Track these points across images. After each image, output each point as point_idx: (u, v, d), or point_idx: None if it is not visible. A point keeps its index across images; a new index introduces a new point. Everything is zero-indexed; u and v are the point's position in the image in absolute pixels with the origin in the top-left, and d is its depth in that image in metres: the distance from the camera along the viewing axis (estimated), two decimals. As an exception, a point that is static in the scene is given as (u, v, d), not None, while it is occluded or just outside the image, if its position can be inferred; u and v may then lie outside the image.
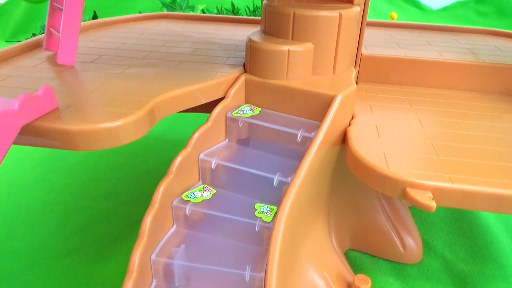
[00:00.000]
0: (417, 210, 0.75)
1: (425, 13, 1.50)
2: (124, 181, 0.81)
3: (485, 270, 0.62)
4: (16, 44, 0.61)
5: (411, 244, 0.63)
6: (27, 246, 0.63)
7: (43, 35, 0.66)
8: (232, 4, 1.33)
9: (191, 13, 0.93)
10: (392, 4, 1.45)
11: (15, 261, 0.60)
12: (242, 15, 1.35)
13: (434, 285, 0.59)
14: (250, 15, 1.36)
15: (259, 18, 0.89)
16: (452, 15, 1.47)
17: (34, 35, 1.43)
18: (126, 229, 0.68)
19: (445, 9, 1.50)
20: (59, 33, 0.58)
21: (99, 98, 0.46)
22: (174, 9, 1.36)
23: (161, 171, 0.87)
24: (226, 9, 1.34)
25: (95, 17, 1.38)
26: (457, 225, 0.71)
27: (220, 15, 0.88)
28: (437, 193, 0.41)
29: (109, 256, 0.62)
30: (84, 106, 0.44)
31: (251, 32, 0.79)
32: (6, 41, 1.66)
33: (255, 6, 1.39)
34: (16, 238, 0.65)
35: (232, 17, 0.88)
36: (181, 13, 0.88)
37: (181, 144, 0.97)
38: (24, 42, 0.62)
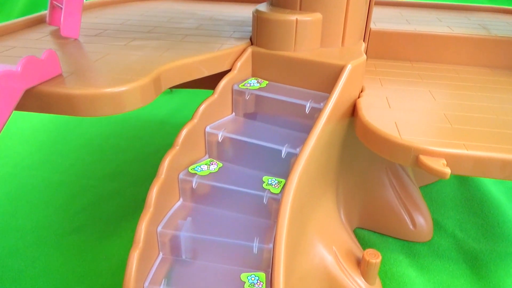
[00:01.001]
0: (426, 189, 0.73)
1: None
2: (129, 163, 0.80)
3: (497, 248, 0.61)
4: (20, 19, 0.60)
5: (421, 222, 0.62)
6: (32, 223, 0.63)
7: (47, 11, 0.65)
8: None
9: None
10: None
11: (21, 238, 0.60)
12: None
13: (445, 263, 0.58)
14: None
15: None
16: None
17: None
18: (132, 208, 0.67)
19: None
20: (62, 6, 0.57)
21: (104, 66, 0.45)
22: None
23: (165, 153, 0.86)
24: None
25: None
26: (468, 204, 0.70)
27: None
28: (451, 160, 0.40)
29: (115, 233, 0.61)
30: (88, 73, 0.43)
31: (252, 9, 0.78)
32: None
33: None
34: (22, 217, 0.64)
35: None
36: (186, -7, 0.87)
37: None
38: (28, 17, 0.62)
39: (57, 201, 0.68)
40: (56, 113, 0.40)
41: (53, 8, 0.59)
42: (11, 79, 0.35)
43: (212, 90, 0.52)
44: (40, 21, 0.63)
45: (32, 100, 0.39)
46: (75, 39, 0.55)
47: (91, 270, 0.55)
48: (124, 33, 0.59)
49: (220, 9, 0.79)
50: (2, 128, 0.34)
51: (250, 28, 0.64)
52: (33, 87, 0.38)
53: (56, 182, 0.73)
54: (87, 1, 0.75)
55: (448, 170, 0.39)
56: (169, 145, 0.93)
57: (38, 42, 0.53)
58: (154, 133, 0.92)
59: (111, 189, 0.72)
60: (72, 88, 0.39)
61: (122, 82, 0.41)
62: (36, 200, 0.68)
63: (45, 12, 0.65)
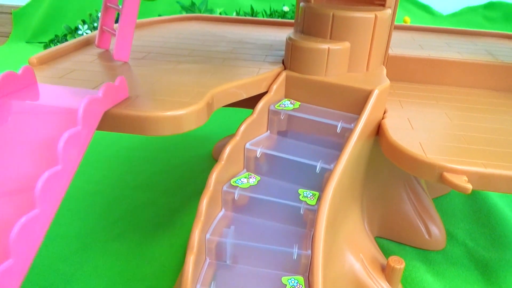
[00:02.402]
0: (437, 201, 0.79)
1: (436, 18, 1.55)
2: (157, 174, 0.85)
3: (505, 256, 0.66)
4: (69, 42, 0.65)
5: (436, 231, 0.67)
6: (76, 231, 0.67)
7: (92, 33, 0.71)
8: (252, 8, 1.39)
9: (221, 15, 0.98)
10: (404, 9, 1.51)
11: (67, 244, 0.64)
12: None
13: (459, 270, 0.63)
14: (268, 17, 1.41)
15: (283, 20, 0.94)
16: (462, 20, 1.53)
17: (56, 36, 1.48)
18: (166, 217, 0.72)
19: (455, 14, 1.55)
20: (111, 31, 0.63)
21: (162, 90, 0.50)
22: (193, 12, 1.41)
23: (191, 165, 0.92)
24: (245, 12, 1.40)
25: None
26: (476, 216, 0.75)
27: (247, 17, 0.92)
28: (471, 177, 0.46)
29: (153, 240, 0.66)
30: (151, 96, 0.48)
31: (279, 33, 0.84)
32: (26, 42, 1.71)
33: (272, 9, 1.45)
34: (65, 224, 0.69)
35: (258, 19, 0.93)
36: (211, 15, 0.93)
37: (206, 140, 1.01)
38: (76, 40, 0.67)
39: (95, 209, 0.73)
40: (126, 132, 0.45)
41: (103, 32, 0.64)
42: (96, 104, 0.40)
43: (243, 108, 0.57)
44: (86, 44, 0.68)
45: (107, 121, 0.44)
46: (126, 62, 0.60)
47: (136, 274, 0.59)
48: (167, 56, 0.64)
49: (245, 31, 0.85)
50: (87, 145, 0.40)
51: (280, 52, 0.70)
52: (108, 110, 0.43)
53: (92, 192, 0.77)
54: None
55: (469, 186, 0.44)
56: (194, 156, 0.98)
57: (93, 65, 0.58)
58: (178, 145, 0.97)
59: (144, 198, 0.76)
60: (141, 111, 0.44)
61: (181, 106, 0.46)
62: (76, 208, 0.73)
63: (90, 34, 0.70)
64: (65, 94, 0.45)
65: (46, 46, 1.51)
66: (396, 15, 1.41)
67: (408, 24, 1.33)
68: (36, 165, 0.38)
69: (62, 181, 0.36)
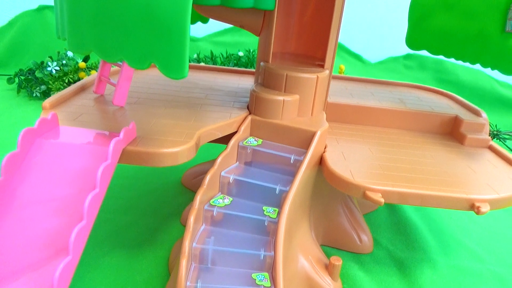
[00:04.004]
0: (368, 216, 0.99)
1: (366, 65, 1.85)
2: (135, 199, 0.97)
3: (416, 255, 0.87)
4: (69, 88, 0.78)
5: (365, 239, 0.87)
6: (69, 249, 0.77)
7: (84, 80, 0.84)
8: (211, 52, 1.57)
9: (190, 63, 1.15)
10: (340, 57, 1.79)
11: (64, 259, 0.74)
12: (218, 62, 1.59)
13: (382, 267, 0.83)
14: (224, 61, 1.60)
15: (243, 69, 1.13)
16: (386, 68, 1.84)
17: (21, 70, 1.55)
18: (147, 235, 0.84)
19: (381, 62, 1.87)
20: (107, 80, 0.77)
21: (160, 130, 0.65)
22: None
23: (163, 191, 1.05)
24: (205, 56, 1.58)
25: (86, 57, 1.53)
26: (396, 227, 0.97)
27: (213, 66, 1.10)
28: (384, 193, 0.65)
29: (139, 255, 0.78)
30: (153, 136, 0.63)
31: (240, 81, 1.02)
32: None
33: (228, 53, 1.64)
34: (58, 243, 0.78)
35: (222, 68, 1.11)
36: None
37: (174, 170, 1.15)
38: (74, 86, 0.80)
39: (84, 230, 0.83)
40: (136, 164, 0.59)
41: (100, 81, 0.77)
42: (119, 143, 0.54)
43: (215, 143, 0.72)
44: (82, 89, 0.81)
45: (123, 155, 0.58)
46: (122, 106, 0.74)
47: (129, 282, 0.71)
48: (154, 101, 0.79)
49: (212, 78, 1.02)
50: (111, 177, 0.53)
51: (244, 99, 0.87)
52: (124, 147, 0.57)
53: (78, 216, 0.88)
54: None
55: (382, 200, 0.64)
56: (165, 184, 1.11)
57: (95, 109, 0.72)
58: (150, 174, 1.10)
59: (126, 220, 0.88)
60: (148, 148, 0.59)
61: (178, 144, 0.61)
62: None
63: (83, 81, 0.83)
64: (88, 135, 0.59)
65: (11, 79, 1.57)
66: (334, 63, 1.66)
67: (343, 70, 1.59)
68: (76, 189, 0.51)
69: (99, 200, 0.50)
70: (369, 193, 0.65)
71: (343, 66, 1.54)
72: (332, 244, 0.87)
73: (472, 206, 0.65)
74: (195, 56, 1.60)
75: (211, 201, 0.70)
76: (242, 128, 0.75)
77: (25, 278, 0.45)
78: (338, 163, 0.72)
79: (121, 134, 0.55)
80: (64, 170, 0.53)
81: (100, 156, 0.53)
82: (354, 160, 0.74)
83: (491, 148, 0.87)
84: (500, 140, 1.63)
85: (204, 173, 0.86)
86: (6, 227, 0.49)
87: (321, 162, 0.76)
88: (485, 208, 0.64)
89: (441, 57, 1.05)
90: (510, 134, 1.63)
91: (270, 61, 0.82)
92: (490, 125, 1.61)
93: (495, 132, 1.62)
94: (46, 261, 0.47)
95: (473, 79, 1.84)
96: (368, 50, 1.85)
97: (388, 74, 1.83)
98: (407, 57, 1.82)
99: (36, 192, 0.52)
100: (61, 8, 0.57)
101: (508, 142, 1.64)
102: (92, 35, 0.49)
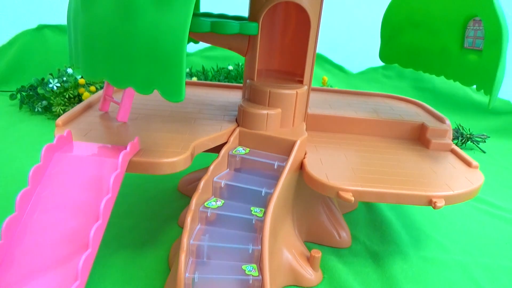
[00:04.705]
0: (348, 215, 1.10)
1: (348, 75, 1.97)
2: (137, 205, 1.06)
3: (389, 248, 0.97)
4: (77, 106, 0.88)
5: (344, 235, 0.97)
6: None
7: (90, 98, 0.94)
8: (203, 67, 1.68)
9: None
10: (323, 68, 1.90)
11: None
12: (210, 75, 1.70)
13: (359, 259, 0.93)
14: (215, 74, 1.71)
15: (231, 84, 1.23)
16: (367, 77, 1.96)
17: (23, 86, 1.64)
18: (149, 237, 0.94)
19: (362, 73, 1.99)
20: (111, 99, 0.87)
21: (160, 142, 0.75)
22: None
23: (162, 197, 1.15)
24: (197, 70, 1.69)
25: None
26: (373, 224, 1.07)
27: (205, 82, 1.21)
28: (354, 193, 0.76)
29: (142, 254, 0.87)
30: (154, 148, 0.73)
31: (230, 95, 1.13)
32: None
33: (218, 67, 1.76)
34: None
35: (213, 83, 1.21)
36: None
37: (171, 177, 1.24)
38: (82, 104, 0.89)
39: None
40: (140, 172, 0.69)
41: (105, 100, 0.87)
42: (127, 155, 0.64)
43: (208, 152, 0.83)
44: (88, 107, 0.91)
45: (129, 165, 0.67)
46: (125, 122, 0.84)
47: (134, 276, 0.80)
48: (153, 117, 0.89)
49: (204, 93, 1.13)
50: (119, 187, 0.63)
51: (233, 112, 0.98)
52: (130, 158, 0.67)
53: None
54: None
55: (352, 198, 0.74)
56: (162, 190, 1.21)
57: (102, 125, 0.82)
58: (148, 182, 1.19)
59: (129, 224, 0.98)
60: (151, 159, 0.69)
61: (175, 155, 0.71)
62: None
63: (89, 100, 0.93)
64: (99, 149, 0.68)
65: (13, 95, 1.66)
66: (318, 74, 1.79)
67: (326, 81, 1.71)
68: (91, 195, 0.61)
69: (111, 203, 0.60)
70: (341, 193, 0.75)
71: (326, 78, 1.66)
72: (314, 240, 0.97)
73: (430, 202, 0.76)
74: (187, 70, 1.70)
75: (205, 204, 0.80)
76: (232, 138, 0.86)
77: (54, 270, 0.55)
78: (315, 168, 0.83)
79: (128, 147, 0.65)
80: (80, 179, 0.62)
81: (111, 167, 0.63)
82: (330, 165, 0.85)
83: (452, 151, 0.99)
84: (473, 143, 1.76)
85: (198, 179, 0.96)
86: (33, 227, 0.58)
87: (301, 167, 0.86)
88: (440, 203, 0.75)
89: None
90: (482, 137, 1.75)
91: (255, 79, 0.93)
92: (463, 129, 1.73)
93: (468, 135, 1.74)
94: (69, 256, 0.57)
95: (448, 86, 1.97)
96: (349, 61, 1.98)
97: (369, 84, 1.95)
98: (386, 67, 1.95)
99: (57, 198, 0.61)
100: (75, 40, 0.67)
101: (480, 145, 1.77)
102: (104, 66, 0.60)
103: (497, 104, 1.97)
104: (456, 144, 1.74)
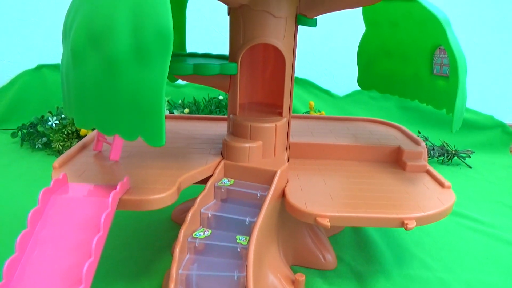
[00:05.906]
0: (333, 238, 1.15)
1: (335, 99, 2.05)
2: (130, 236, 1.12)
3: (373, 268, 1.02)
4: (73, 148, 0.94)
5: (329, 257, 1.02)
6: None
7: (84, 139, 1.00)
8: (194, 98, 1.76)
9: (173, 114, 1.32)
10: (310, 93, 1.98)
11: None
12: (201, 105, 1.77)
13: (344, 280, 0.97)
14: (207, 104, 1.79)
15: (219, 116, 1.30)
16: (353, 100, 2.03)
17: (23, 124, 1.71)
18: (144, 267, 0.99)
19: (348, 95, 2.06)
20: (103, 140, 0.94)
21: (149, 179, 0.81)
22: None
23: (155, 227, 1.20)
24: (189, 102, 1.77)
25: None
26: (358, 245, 1.12)
27: (194, 115, 1.28)
28: (331, 218, 0.81)
29: (138, 285, 0.92)
30: (143, 185, 0.79)
31: (217, 127, 1.20)
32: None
33: (209, 97, 1.83)
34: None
35: (201, 116, 1.28)
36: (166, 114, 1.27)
37: (164, 207, 1.30)
38: (77, 146, 0.96)
39: (89, 266, 0.98)
40: (129, 210, 0.75)
41: (98, 141, 0.94)
42: (117, 194, 0.70)
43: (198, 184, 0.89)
44: (83, 148, 0.97)
45: (119, 203, 0.73)
46: (117, 161, 0.90)
47: (129, 306, 0.86)
48: (143, 154, 0.96)
49: (193, 127, 1.20)
50: (109, 226, 0.69)
51: (218, 145, 1.04)
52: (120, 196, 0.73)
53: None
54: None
55: (329, 224, 0.80)
56: (156, 220, 1.27)
57: (95, 165, 0.88)
58: (142, 213, 1.25)
59: (124, 255, 1.03)
60: (139, 196, 0.75)
61: (162, 191, 0.77)
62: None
63: (84, 141, 1.00)
64: (92, 189, 0.75)
65: (14, 133, 1.73)
66: (305, 99, 1.86)
67: (313, 106, 1.78)
68: (84, 233, 0.67)
69: (103, 240, 0.65)
70: (318, 219, 0.81)
71: (312, 103, 1.73)
72: (300, 263, 1.02)
73: (402, 224, 0.81)
74: (180, 102, 1.78)
75: (193, 234, 0.85)
76: (217, 171, 0.92)
77: (50, 304, 0.60)
78: (296, 195, 0.88)
79: (118, 187, 0.71)
80: (75, 218, 0.68)
81: (102, 206, 0.69)
82: (310, 191, 0.91)
83: (428, 172, 1.05)
84: (459, 159, 1.81)
85: (189, 209, 1.01)
86: (32, 266, 0.64)
87: (284, 195, 0.92)
88: (411, 224, 0.81)
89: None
90: (467, 152, 1.81)
91: (237, 113, 1.00)
92: (448, 145, 1.79)
93: (453, 151, 1.80)
94: (64, 290, 0.62)
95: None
96: (335, 85, 2.06)
97: (355, 106, 2.03)
98: (371, 89, 2.03)
99: (54, 237, 0.67)
100: (68, 92, 0.74)
101: (466, 160, 1.83)
102: (93, 116, 0.66)
103: (481, 119, 2.04)
104: (442, 161, 1.80)
